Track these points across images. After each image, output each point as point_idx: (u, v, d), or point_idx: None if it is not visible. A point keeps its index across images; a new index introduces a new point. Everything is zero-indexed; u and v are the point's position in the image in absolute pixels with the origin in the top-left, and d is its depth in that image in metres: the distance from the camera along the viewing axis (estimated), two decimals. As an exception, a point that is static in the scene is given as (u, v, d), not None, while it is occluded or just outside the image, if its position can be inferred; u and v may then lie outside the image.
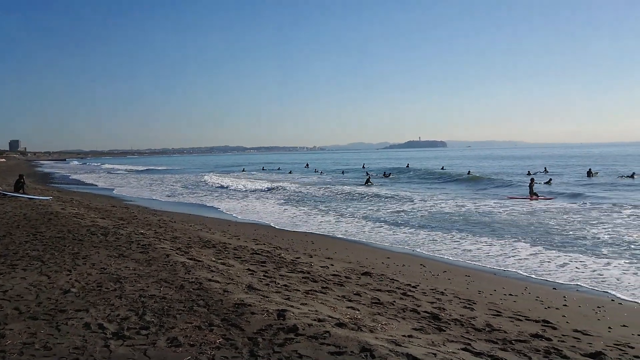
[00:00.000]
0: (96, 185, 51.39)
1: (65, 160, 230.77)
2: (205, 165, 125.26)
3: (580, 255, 14.01)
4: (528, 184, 31.33)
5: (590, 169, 49.47)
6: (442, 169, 65.27)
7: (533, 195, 29.43)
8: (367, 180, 46.57)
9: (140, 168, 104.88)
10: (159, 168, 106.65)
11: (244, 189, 42.28)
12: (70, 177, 67.64)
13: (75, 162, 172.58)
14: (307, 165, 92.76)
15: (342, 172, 69.95)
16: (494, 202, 27.68)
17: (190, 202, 32.94)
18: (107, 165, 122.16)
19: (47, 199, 24.03)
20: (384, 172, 61.72)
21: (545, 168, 59.60)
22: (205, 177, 57.47)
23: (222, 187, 45.27)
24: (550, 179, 41.85)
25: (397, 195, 32.72)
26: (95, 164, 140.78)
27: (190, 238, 14.09)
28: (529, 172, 55.12)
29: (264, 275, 9.38)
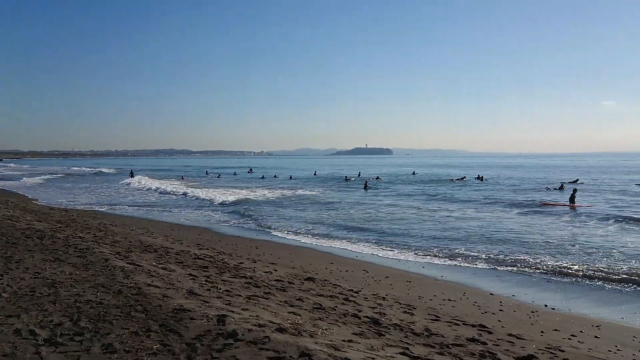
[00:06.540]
0: None
1: (1, 160, 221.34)
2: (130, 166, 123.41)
3: (524, 261, 14.53)
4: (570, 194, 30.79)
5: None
6: (414, 174, 72.93)
7: (573, 203, 29.52)
8: (365, 185, 48.42)
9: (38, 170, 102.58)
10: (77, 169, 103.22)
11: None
12: None
13: None
14: (251, 170, 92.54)
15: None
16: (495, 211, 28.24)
17: None
18: (12, 165, 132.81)
19: (-21, 200, 23.01)
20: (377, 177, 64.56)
21: (479, 175, 62.08)
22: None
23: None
24: (563, 185, 43.94)
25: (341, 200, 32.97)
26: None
27: (131, 242, 13.77)
28: (479, 176, 59.87)
29: (205, 281, 9.26)
